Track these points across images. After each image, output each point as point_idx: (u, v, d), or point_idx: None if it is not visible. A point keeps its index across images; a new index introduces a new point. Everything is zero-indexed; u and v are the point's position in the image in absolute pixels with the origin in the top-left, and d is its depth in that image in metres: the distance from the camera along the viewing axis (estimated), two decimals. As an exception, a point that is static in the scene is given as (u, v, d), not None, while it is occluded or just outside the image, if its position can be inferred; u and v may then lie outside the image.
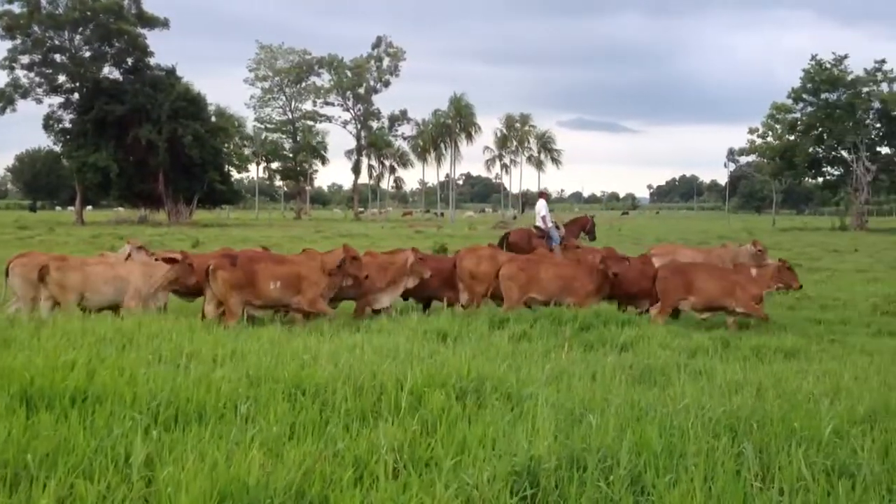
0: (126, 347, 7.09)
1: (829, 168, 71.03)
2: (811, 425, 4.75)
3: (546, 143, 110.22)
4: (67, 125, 68.55)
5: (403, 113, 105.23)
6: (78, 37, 67.31)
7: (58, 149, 74.62)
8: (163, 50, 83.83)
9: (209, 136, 68.54)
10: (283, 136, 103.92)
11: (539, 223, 18.17)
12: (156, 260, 11.35)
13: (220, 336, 7.97)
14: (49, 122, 68.51)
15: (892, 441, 4.62)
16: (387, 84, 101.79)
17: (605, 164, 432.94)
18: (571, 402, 5.43)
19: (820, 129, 66.87)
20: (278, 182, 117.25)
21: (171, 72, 69.34)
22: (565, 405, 5.33)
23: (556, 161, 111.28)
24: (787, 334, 9.84)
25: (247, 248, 14.04)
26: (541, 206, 18.69)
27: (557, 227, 18.25)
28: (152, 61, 69.30)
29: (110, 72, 69.37)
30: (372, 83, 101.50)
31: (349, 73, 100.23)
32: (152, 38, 69.15)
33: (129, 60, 68.54)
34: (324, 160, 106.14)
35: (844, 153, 66.98)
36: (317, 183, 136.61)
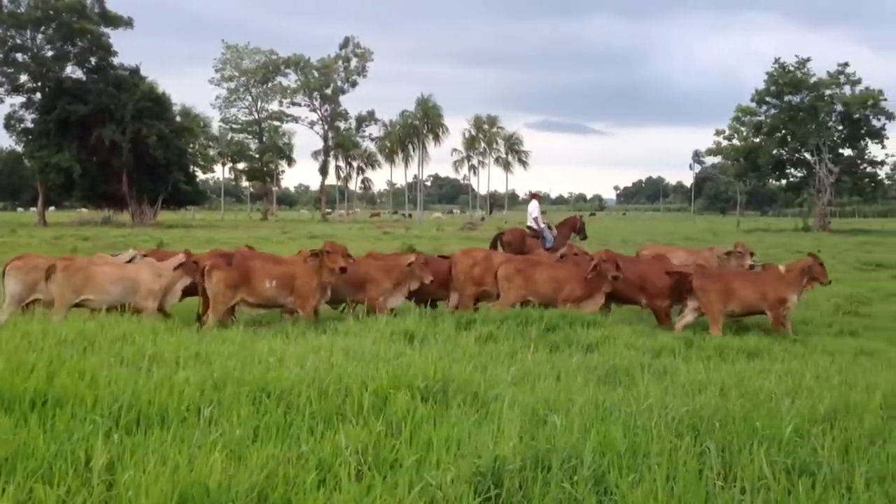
0: (87, 350, 6.99)
1: (792, 170, 71.96)
2: (773, 424, 4.80)
3: (514, 145, 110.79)
4: (29, 125, 67.55)
5: (371, 114, 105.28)
6: (40, 36, 66.41)
7: (20, 149, 73.54)
8: (127, 49, 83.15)
9: (174, 137, 67.88)
10: (249, 137, 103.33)
11: (531, 223, 18.35)
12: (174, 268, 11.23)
13: (184, 338, 7.89)
14: (10, 122, 67.50)
15: (851, 440, 4.68)
16: (354, 85, 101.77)
17: (572, 165, 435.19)
18: (536, 402, 5.44)
19: (783, 131, 67.75)
20: (244, 183, 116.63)
21: (135, 71, 68.62)
22: (530, 406, 5.34)
23: (523, 162, 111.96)
24: (749, 334, 9.96)
25: (213, 248, 13.95)
26: (533, 206, 18.86)
27: (550, 228, 18.46)
28: (116, 61, 68.65)
29: (73, 71, 68.56)
30: (339, 84, 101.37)
31: (316, 74, 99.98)
32: (116, 37, 68.53)
33: (93, 60, 67.69)
34: (290, 161, 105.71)
35: (807, 155, 67.90)
36: (283, 184, 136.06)
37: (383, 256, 12.51)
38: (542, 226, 18.28)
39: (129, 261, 11.47)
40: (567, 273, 11.68)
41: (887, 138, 66.76)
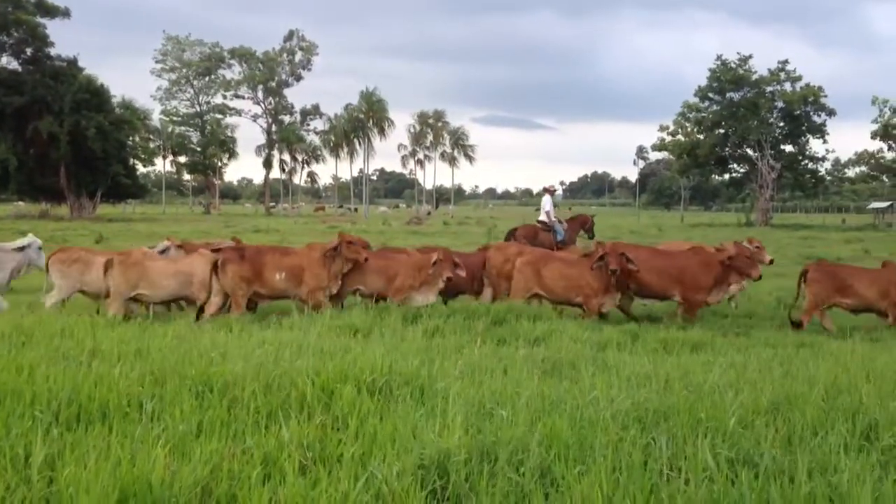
0: (25, 344, 6.84)
1: (734, 165, 73.33)
2: (717, 416, 4.86)
3: (459, 140, 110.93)
4: (-36, 116, 65.74)
5: (316, 107, 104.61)
6: (-27, 26, 64.62)
7: (-47, 141, 71.47)
8: (64, 40, 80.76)
9: (113, 129, 66.38)
10: (191, 130, 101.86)
11: (543, 218, 18.79)
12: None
13: (124, 333, 7.76)
14: (-57, 113, 65.61)
15: (794, 431, 4.76)
16: (299, 78, 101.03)
17: (519, 160, 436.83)
18: (483, 396, 5.44)
19: (725, 126, 68.95)
20: (186, 176, 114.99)
21: (72, 62, 66.95)
22: (476, 399, 5.34)
23: (469, 157, 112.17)
24: (694, 327, 10.10)
25: (153, 243, 13.75)
26: (545, 201, 19.36)
27: (561, 223, 18.84)
28: (53, 52, 66.76)
29: (8, 62, 66.55)
30: (283, 77, 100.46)
31: (261, 66, 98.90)
32: (53, 27, 66.66)
33: (28, 51, 65.85)
34: (233, 154, 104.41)
35: (749, 151, 69.20)
36: (226, 177, 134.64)
37: (411, 252, 12.47)
38: (554, 220, 18.67)
39: (163, 252, 11.85)
40: (579, 270, 11.46)
41: (828, 134, 68.49)
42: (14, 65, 66.55)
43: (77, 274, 11.02)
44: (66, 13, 67.08)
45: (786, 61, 68.46)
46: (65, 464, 3.96)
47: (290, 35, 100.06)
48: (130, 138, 75.93)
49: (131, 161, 76.06)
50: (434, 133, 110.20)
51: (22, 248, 11.61)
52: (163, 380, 5.56)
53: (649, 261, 11.59)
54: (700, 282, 11.36)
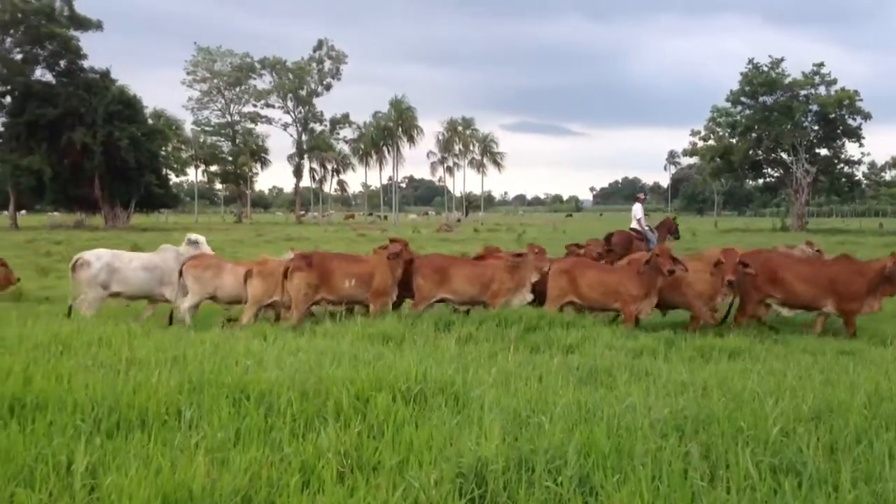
0: (64, 354, 6.91)
1: (768, 170, 72.52)
2: (757, 424, 4.79)
3: (488, 147, 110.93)
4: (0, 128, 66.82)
5: (345, 116, 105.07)
6: (8, 39, 65.60)
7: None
8: (97, 52, 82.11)
9: (146, 140, 67.21)
10: (222, 139, 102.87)
11: (634, 225, 19.36)
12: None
13: (161, 341, 7.81)
14: (-21, 126, 66.73)
15: (837, 439, 4.68)
16: (328, 87, 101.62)
17: (548, 166, 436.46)
18: (518, 403, 5.42)
19: (758, 131, 68.26)
20: (218, 185, 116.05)
21: (105, 74, 67.84)
22: (512, 407, 5.32)
23: (498, 164, 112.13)
24: (730, 334, 9.99)
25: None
26: (636, 209, 19.98)
27: (652, 230, 19.42)
28: (86, 64, 67.74)
29: (42, 74, 67.62)
30: (313, 86, 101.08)
31: (290, 76, 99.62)
32: (85, 39, 67.72)
33: (62, 63, 66.85)
34: (264, 163, 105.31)
35: (784, 155, 68.45)
36: (257, 186, 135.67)
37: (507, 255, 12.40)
38: (645, 227, 19.24)
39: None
40: (617, 276, 11.27)
41: (864, 137, 67.54)
42: (48, 77, 67.66)
43: (210, 280, 11.43)
44: (98, 25, 68.04)
45: (821, 64, 67.69)
46: (106, 471, 3.99)
47: (320, 44, 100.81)
48: (163, 148, 76.82)
49: (164, 171, 76.90)
50: (463, 140, 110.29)
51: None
52: (200, 387, 5.59)
53: (798, 269, 11.24)
54: (854, 291, 10.87)
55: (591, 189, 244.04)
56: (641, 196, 21.11)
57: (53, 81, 66.92)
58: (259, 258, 12.12)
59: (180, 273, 11.48)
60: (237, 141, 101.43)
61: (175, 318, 11.32)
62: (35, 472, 3.99)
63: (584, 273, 11.39)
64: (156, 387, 5.41)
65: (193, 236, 12.81)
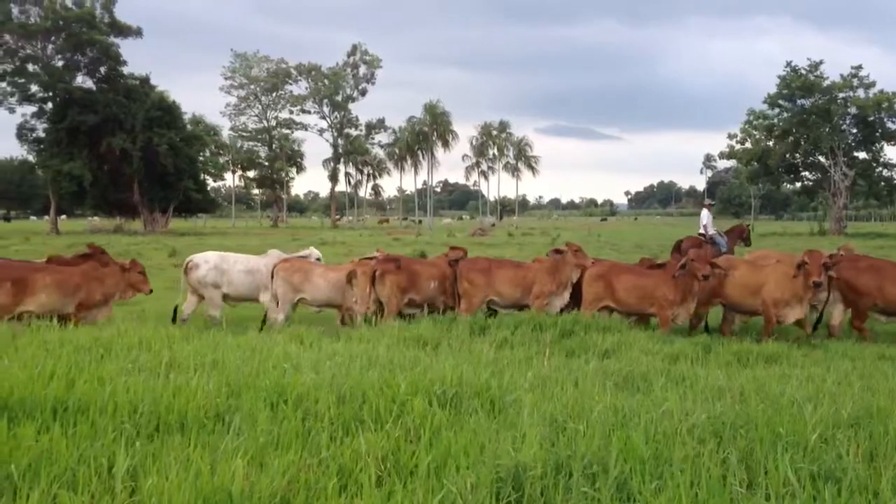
0: (104, 357, 7.01)
1: (806, 173, 71.66)
2: (796, 430, 4.74)
3: (523, 151, 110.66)
4: (41, 134, 67.89)
5: (381, 121, 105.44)
6: (50, 46, 66.77)
7: (31, 158, 73.83)
8: (136, 58, 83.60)
9: (184, 145, 68.01)
10: (259, 145, 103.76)
11: (702, 231, 19.58)
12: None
13: (199, 345, 7.90)
14: (22, 132, 67.90)
15: (877, 445, 4.62)
16: (364, 92, 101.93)
17: (582, 170, 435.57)
18: (555, 408, 5.40)
19: (796, 134, 67.49)
20: (255, 190, 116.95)
21: (144, 80, 68.83)
22: (548, 412, 5.30)
23: (532, 168, 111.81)
24: (768, 339, 9.89)
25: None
26: (704, 215, 20.13)
27: (721, 235, 19.41)
28: (126, 70, 68.78)
29: (83, 81, 68.79)
30: (348, 91, 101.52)
31: (326, 81, 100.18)
32: (125, 46, 68.88)
33: (102, 69, 67.89)
34: (300, 168, 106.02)
35: (822, 158, 67.61)
36: (293, 191, 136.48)
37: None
38: (712, 232, 19.31)
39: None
40: (653, 280, 11.25)
41: (903, 141, 66.48)
42: (89, 84, 68.78)
43: (298, 283, 11.75)
44: (138, 32, 69.08)
45: (859, 67, 66.72)
46: (147, 474, 4.04)
47: (354, 49, 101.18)
48: (201, 154, 77.61)
49: (202, 176, 77.75)
50: (497, 144, 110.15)
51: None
52: (238, 391, 5.65)
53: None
54: None
55: (626, 193, 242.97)
56: (709, 203, 21.47)
57: (94, 88, 67.98)
58: (353, 261, 12.45)
59: (272, 276, 11.89)
60: (273, 146, 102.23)
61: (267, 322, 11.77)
62: (77, 474, 4.04)
63: (620, 277, 11.34)
64: (195, 390, 5.47)
65: (308, 251, 13.36)
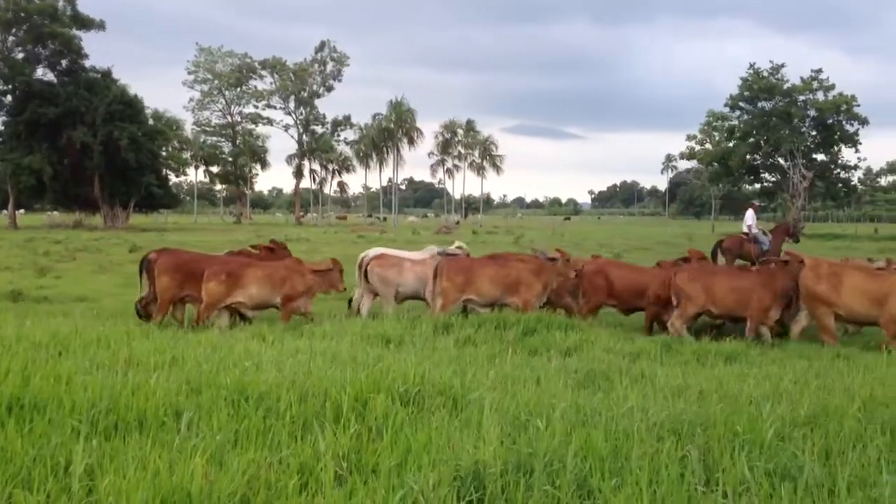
0: (62, 354, 6.92)
1: (766, 174, 72.67)
2: (753, 428, 4.81)
3: (488, 149, 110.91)
4: (0, 127, 66.77)
5: (347, 118, 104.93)
6: (10, 38, 65.61)
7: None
8: (98, 52, 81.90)
9: (146, 140, 67.10)
10: (223, 140, 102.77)
11: (745, 230, 20.15)
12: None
13: (159, 342, 7.83)
14: (-20, 125, 66.71)
15: (832, 443, 4.70)
16: (330, 89, 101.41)
17: (547, 169, 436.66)
18: (517, 406, 5.43)
19: (756, 136, 68.39)
20: (217, 186, 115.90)
21: (106, 74, 67.86)
22: (510, 410, 5.33)
23: (497, 167, 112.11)
24: (727, 338, 10.00)
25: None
26: (748, 215, 20.72)
27: (765, 234, 20.06)
28: (87, 63, 67.77)
29: (44, 74, 67.64)
30: (315, 88, 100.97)
31: (292, 77, 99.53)
32: (88, 39, 67.75)
33: (64, 62, 66.86)
34: (264, 164, 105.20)
35: (781, 160, 68.59)
36: (257, 187, 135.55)
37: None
38: (756, 231, 19.88)
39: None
40: (749, 283, 11.14)
41: (860, 143, 67.73)
42: (49, 76, 67.66)
43: (393, 279, 12.15)
44: (101, 25, 68.12)
45: (819, 70, 67.96)
46: (104, 473, 3.98)
47: (322, 46, 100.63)
48: (163, 149, 76.75)
49: (164, 171, 76.84)
50: (463, 143, 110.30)
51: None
52: (198, 389, 5.60)
53: None
54: None
55: (590, 192, 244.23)
56: (756, 204, 22.23)
57: (55, 81, 66.89)
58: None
59: (365, 273, 12.22)
60: (237, 142, 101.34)
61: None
62: (33, 472, 3.97)
63: (716, 280, 11.29)
64: (154, 388, 5.41)
65: (458, 245, 13.65)
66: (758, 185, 76.55)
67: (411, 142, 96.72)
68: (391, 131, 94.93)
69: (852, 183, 73.27)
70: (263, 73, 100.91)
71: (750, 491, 3.96)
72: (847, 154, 69.59)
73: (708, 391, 6.13)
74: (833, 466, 4.29)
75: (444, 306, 11.44)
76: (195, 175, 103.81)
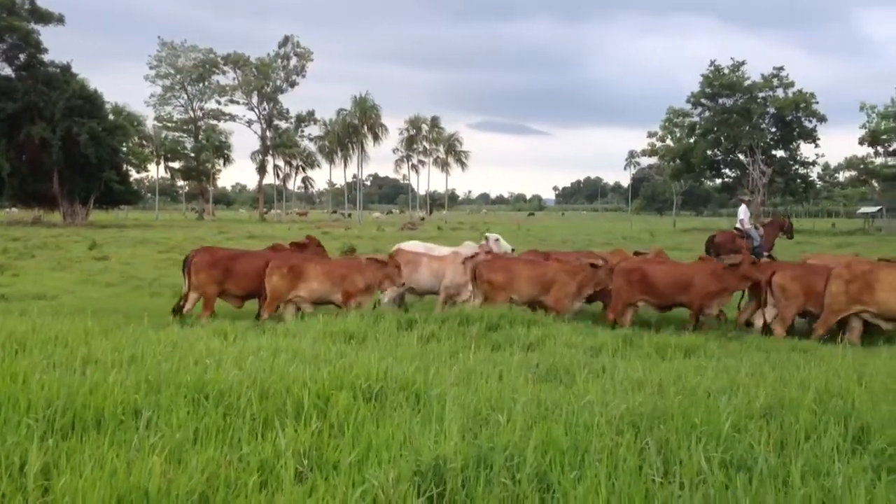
0: (18, 352, 6.81)
1: (726, 170, 73.54)
2: (710, 420, 4.87)
3: (453, 145, 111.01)
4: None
5: (311, 114, 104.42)
6: (-33, 32, 64.53)
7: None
8: (57, 46, 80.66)
9: (106, 135, 66.19)
10: (185, 136, 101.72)
11: (738, 225, 20.49)
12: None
13: (118, 340, 7.73)
14: (-62, 120, 65.42)
15: (787, 435, 4.77)
16: (293, 84, 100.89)
17: (512, 165, 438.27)
18: (479, 401, 5.44)
19: (717, 132, 69.18)
20: (180, 182, 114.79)
21: (65, 68, 66.88)
22: (472, 405, 5.34)
23: (462, 163, 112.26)
24: (686, 332, 10.12)
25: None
26: (741, 210, 21.09)
27: (757, 229, 20.36)
28: (46, 58, 66.75)
29: (1, 68, 66.62)
30: (278, 83, 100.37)
31: (255, 72, 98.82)
32: (46, 33, 66.77)
33: (22, 57, 65.82)
34: (227, 160, 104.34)
35: (741, 156, 69.46)
36: (220, 183, 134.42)
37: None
38: (748, 226, 20.21)
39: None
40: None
41: (819, 139, 68.81)
42: (7, 71, 66.70)
43: (408, 274, 12.31)
44: (60, 19, 67.15)
45: (781, 68, 68.91)
46: (60, 473, 3.93)
47: (285, 41, 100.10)
48: (124, 144, 75.82)
49: (124, 167, 75.92)
50: (429, 138, 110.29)
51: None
52: (158, 387, 5.54)
53: None
54: None
55: (554, 188, 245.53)
56: (746, 199, 22.39)
57: (12, 75, 65.86)
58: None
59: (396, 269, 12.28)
60: (200, 137, 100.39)
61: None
62: (-13, 472, 3.92)
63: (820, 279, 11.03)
64: (112, 386, 5.34)
65: (493, 236, 13.81)
66: (718, 181, 77.46)
67: (376, 138, 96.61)
68: (356, 127, 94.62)
69: (810, 179, 74.44)
70: (226, 68, 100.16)
71: (706, 482, 4.01)
72: (806, 150, 70.94)
73: (667, 384, 6.19)
74: (788, 457, 4.35)
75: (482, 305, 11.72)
76: (157, 171, 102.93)
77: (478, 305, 11.54)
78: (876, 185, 72.63)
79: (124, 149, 76.45)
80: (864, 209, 79.18)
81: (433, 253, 13.26)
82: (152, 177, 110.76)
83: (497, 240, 13.65)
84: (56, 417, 4.79)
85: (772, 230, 20.62)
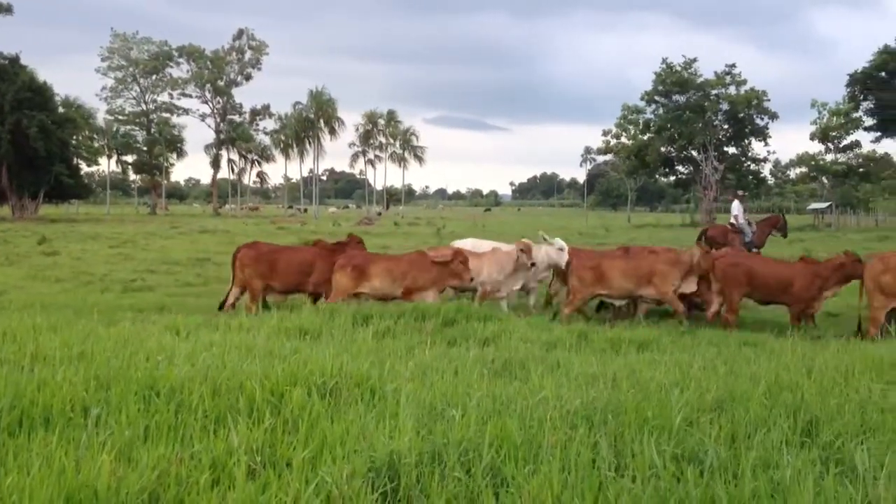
0: (-36, 349, 6.67)
1: (680, 167, 74.48)
2: (663, 414, 4.92)
3: (409, 140, 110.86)
4: None
5: (266, 107, 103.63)
6: (-89, 22, 63.02)
7: None
8: (6, 37, 79.17)
9: (56, 128, 65.10)
10: (137, 129, 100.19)
11: (732, 220, 20.71)
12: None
13: (67, 336, 7.61)
14: None
15: (738, 428, 4.84)
16: (248, 77, 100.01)
17: (469, 161, 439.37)
18: (434, 397, 5.44)
19: (671, 129, 70.00)
20: (132, 176, 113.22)
21: (14, 60, 65.59)
22: (427, 400, 5.34)
23: (419, 158, 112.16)
24: (641, 326, 10.21)
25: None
26: (735, 206, 21.25)
27: (750, 224, 20.62)
28: (-7, 49, 65.46)
29: (-53, 60, 65.16)
30: (232, 76, 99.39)
31: (209, 65, 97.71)
32: (-6, 24, 65.47)
33: (-32, 48, 64.50)
34: (180, 154, 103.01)
35: (694, 153, 70.39)
36: (173, 177, 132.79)
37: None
38: (742, 222, 20.49)
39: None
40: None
41: (770, 136, 70.08)
42: (-47, 63, 65.02)
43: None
44: (7, 9, 65.90)
45: (733, 65, 69.94)
46: (7, 471, 3.87)
47: (240, 34, 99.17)
48: (74, 137, 74.59)
49: (75, 161, 74.75)
50: (386, 133, 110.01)
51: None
52: (107, 384, 5.46)
53: None
54: None
55: (511, 184, 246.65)
56: (740, 193, 22.83)
57: (-42, 67, 64.42)
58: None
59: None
60: (152, 130, 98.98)
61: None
62: (-69, 472, 3.84)
63: None
64: (61, 383, 5.27)
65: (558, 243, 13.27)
66: (672, 178, 78.40)
67: (332, 132, 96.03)
68: (312, 121, 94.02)
69: (762, 175, 75.76)
70: (180, 60, 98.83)
71: (658, 475, 4.05)
72: (757, 147, 72.03)
73: (620, 378, 6.24)
74: (738, 450, 4.41)
75: (571, 303, 11.99)
76: (108, 165, 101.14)
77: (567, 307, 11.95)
78: (826, 181, 73.83)
79: (74, 142, 75.20)
80: (814, 205, 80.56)
81: (496, 251, 13.09)
82: (103, 171, 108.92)
83: (562, 249, 12.86)
84: (2, 415, 4.71)
85: (765, 227, 20.83)
